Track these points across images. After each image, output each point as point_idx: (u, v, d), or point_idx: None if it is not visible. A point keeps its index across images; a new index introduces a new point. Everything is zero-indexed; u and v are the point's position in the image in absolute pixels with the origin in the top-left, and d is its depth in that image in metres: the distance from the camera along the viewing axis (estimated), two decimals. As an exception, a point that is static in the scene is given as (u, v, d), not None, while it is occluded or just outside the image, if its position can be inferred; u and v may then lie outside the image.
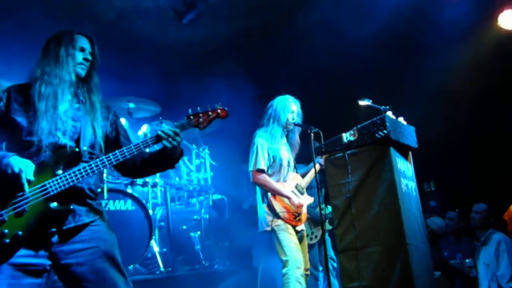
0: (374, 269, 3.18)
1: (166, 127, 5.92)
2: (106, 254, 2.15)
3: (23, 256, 1.98)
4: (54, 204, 2.04)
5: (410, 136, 3.66)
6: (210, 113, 2.32)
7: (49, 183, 2.04)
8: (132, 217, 4.57)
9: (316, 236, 4.83)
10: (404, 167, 3.53)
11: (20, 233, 1.96)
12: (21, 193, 1.99)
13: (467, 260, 5.52)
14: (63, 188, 2.05)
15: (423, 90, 6.13)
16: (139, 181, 4.95)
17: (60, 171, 2.08)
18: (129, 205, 4.59)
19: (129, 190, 4.84)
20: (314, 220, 4.79)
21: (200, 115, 2.30)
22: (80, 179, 2.09)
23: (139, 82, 5.82)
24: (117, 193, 4.60)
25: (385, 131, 3.26)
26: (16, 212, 1.97)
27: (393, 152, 3.32)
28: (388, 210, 3.20)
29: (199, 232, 5.27)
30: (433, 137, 5.60)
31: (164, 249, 5.02)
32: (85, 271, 2.08)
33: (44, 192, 2.03)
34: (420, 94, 6.07)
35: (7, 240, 1.93)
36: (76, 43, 2.32)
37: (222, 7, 5.85)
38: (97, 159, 2.14)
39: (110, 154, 2.15)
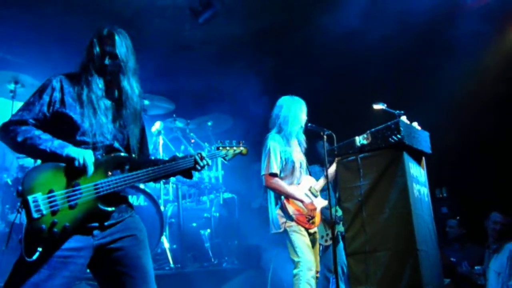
0: (383, 274, 3.18)
1: (180, 125, 5.95)
2: (142, 242, 2.26)
3: (67, 249, 2.03)
4: (101, 203, 2.12)
5: (424, 141, 3.65)
6: (235, 148, 2.68)
7: (101, 183, 2.11)
8: (143, 213, 4.63)
9: (331, 238, 4.82)
10: (417, 173, 3.51)
11: (68, 224, 2.01)
12: (77, 187, 2.06)
13: (476, 267, 5.48)
14: (112, 189, 2.14)
15: (438, 95, 6.08)
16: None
17: (111, 174, 2.16)
18: (141, 200, 4.65)
19: (141, 186, 4.89)
20: (329, 221, 4.78)
21: (228, 148, 2.64)
22: (128, 184, 2.20)
23: (154, 79, 5.87)
24: (130, 188, 4.62)
25: (399, 136, 3.25)
26: (69, 204, 2.04)
27: (406, 157, 3.31)
28: (400, 215, 3.19)
29: (209, 230, 5.32)
30: (447, 143, 5.56)
31: (174, 246, 5.07)
32: (123, 255, 2.17)
33: (96, 191, 2.10)
34: (434, 100, 6.02)
35: (56, 230, 1.98)
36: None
37: (237, 6, 5.86)
38: (143, 170, 2.24)
39: (155, 167, 2.28)
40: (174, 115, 5.71)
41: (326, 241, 4.78)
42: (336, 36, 5.92)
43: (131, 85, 2.31)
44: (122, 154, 2.26)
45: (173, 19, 5.95)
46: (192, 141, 5.81)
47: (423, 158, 3.73)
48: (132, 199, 4.60)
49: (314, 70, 6.66)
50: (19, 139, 2.08)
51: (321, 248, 4.61)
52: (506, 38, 5.79)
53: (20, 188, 1.97)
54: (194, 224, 5.40)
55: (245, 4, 5.89)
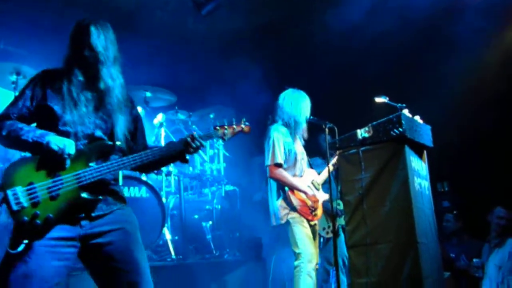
0: (384, 266, 3.20)
1: (182, 117, 5.94)
2: (132, 235, 2.25)
3: (54, 238, 2.05)
4: (84, 193, 2.12)
5: (425, 135, 3.65)
6: (235, 127, 2.51)
7: (83, 172, 2.12)
8: (145, 204, 4.65)
9: (331, 231, 4.83)
10: (418, 166, 3.53)
11: (51, 215, 2.03)
12: (58, 177, 2.07)
13: (474, 260, 5.49)
14: (95, 178, 2.14)
15: (440, 90, 6.07)
16: (153, 169, 5.00)
17: (93, 162, 2.16)
18: (143, 192, 4.66)
19: (143, 178, 4.91)
20: (331, 214, 4.79)
21: (226, 127, 2.48)
22: (113, 172, 2.19)
23: (156, 71, 5.86)
24: (132, 180, 4.67)
25: (400, 129, 3.26)
26: (51, 195, 2.05)
27: (407, 150, 3.32)
28: (400, 208, 3.21)
29: (210, 222, 5.34)
30: (449, 137, 5.56)
31: (176, 237, 5.10)
32: (113, 249, 2.17)
33: (78, 180, 2.11)
34: (436, 94, 6.01)
35: (39, 221, 2.00)
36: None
37: (240, 0, 5.85)
38: (129, 156, 2.24)
39: (142, 153, 2.26)
40: (176, 107, 5.72)
41: (327, 233, 4.79)
42: (338, 31, 5.91)
43: (111, 75, 2.29)
44: (105, 142, 2.23)
45: (176, 12, 5.94)
46: (194, 133, 5.80)
47: (425, 151, 3.74)
48: (134, 191, 4.62)
49: (316, 64, 6.66)
50: (4, 133, 2.13)
51: (321, 240, 4.64)
52: (507, 34, 5.76)
53: (1, 182, 2.00)
54: (196, 216, 5.42)
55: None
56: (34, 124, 2.25)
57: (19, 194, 1.99)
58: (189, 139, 2.34)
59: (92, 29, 2.26)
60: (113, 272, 2.17)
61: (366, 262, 3.25)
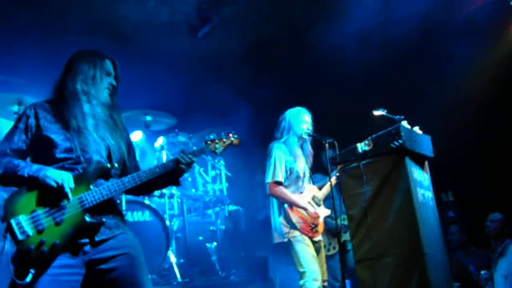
0: (390, 280, 3.17)
1: (182, 139, 5.96)
2: (136, 260, 2.23)
3: (59, 266, 2.04)
4: (88, 216, 2.12)
5: (426, 145, 3.66)
6: (225, 140, 2.62)
7: (85, 195, 2.13)
8: (149, 228, 4.63)
9: (334, 247, 4.81)
10: (420, 177, 3.52)
11: (57, 242, 2.02)
12: (60, 203, 2.07)
13: (482, 272, 5.42)
14: (98, 201, 2.15)
15: (439, 99, 6.09)
16: (156, 192, 5.00)
17: (94, 185, 2.18)
18: (146, 216, 4.65)
19: (146, 201, 4.90)
20: (332, 231, 4.77)
21: (217, 141, 2.60)
22: (114, 193, 2.21)
23: (156, 95, 5.91)
24: (135, 204, 4.66)
25: (400, 141, 3.27)
26: (56, 222, 2.05)
27: (408, 161, 3.33)
28: (405, 220, 3.19)
29: (215, 243, 5.30)
30: (452, 146, 5.57)
31: (181, 260, 5.06)
32: (118, 276, 2.15)
33: (81, 204, 2.11)
34: (437, 103, 6.03)
35: (45, 249, 1.99)
36: (106, 67, 2.42)
37: (235, 20, 5.93)
38: (129, 176, 2.26)
39: (140, 172, 2.30)
40: (176, 130, 5.74)
41: (329, 250, 4.77)
42: (333, 46, 5.97)
43: (110, 100, 2.40)
44: (104, 164, 2.26)
45: (172, 35, 6.02)
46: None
47: (426, 162, 3.74)
48: (138, 215, 4.61)
49: (313, 80, 6.70)
50: (1, 171, 2.14)
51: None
52: (505, 41, 5.81)
53: (2, 213, 2.00)
54: (200, 238, 5.39)
55: (242, 18, 5.95)
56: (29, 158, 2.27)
57: (23, 223, 1.99)
58: (179, 156, 2.40)
59: (107, 60, 2.43)
60: None
61: (373, 276, 3.22)
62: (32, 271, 1.96)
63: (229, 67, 6.68)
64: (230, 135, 2.64)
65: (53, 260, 2.02)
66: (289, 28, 6.24)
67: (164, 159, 5.35)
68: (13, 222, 1.98)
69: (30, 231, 1.99)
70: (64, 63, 2.43)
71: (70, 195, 2.08)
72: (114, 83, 2.44)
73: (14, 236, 1.97)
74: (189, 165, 2.42)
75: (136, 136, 5.89)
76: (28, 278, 1.94)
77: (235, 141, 2.65)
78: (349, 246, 4.70)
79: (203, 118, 6.25)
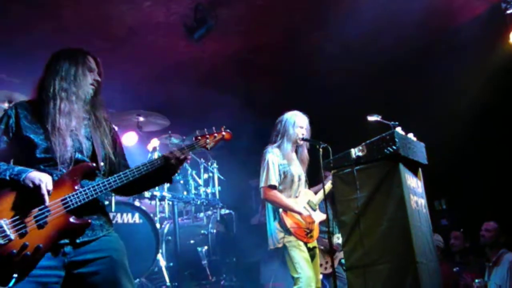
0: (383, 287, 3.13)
1: (175, 141, 5.91)
2: (119, 263, 2.18)
3: (38, 267, 1.99)
4: (73, 218, 2.07)
5: (420, 152, 3.63)
6: (216, 135, 2.55)
7: (69, 197, 2.08)
8: (139, 231, 4.57)
9: (330, 266, 4.73)
10: (414, 184, 3.49)
11: (41, 245, 1.97)
12: (43, 205, 2.02)
13: (476, 281, 5.40)
14: (82, 202, 2.09)
15: (434, 107, 6.10)
16: (147, 194, 4.95)
17: (78, 186, 2.13)
18: (136, 218, 4.59)
19: (137, 203, 4.84)
20: (326, 250, 4.71)
21: (207, 136, 2.52)
22: (99, 193, 2.15)
23: (149, 96, 5.86)
24: (125, 206, 4.60)
25: (394, 147, 3.23)
26: (38, 224, 1.99)
27: (402, 168, 3.29)
28: (398, 227, 3.16)
29: (206, 247, 5.24)
30: (445, 154, 5.55)
31: (171, 264, 5.00)
32: (99, 280, 2.10)
33: (65, 206, 2.06)
34: (431, 111, 6.04)
35: (29, 253, 1.94)
36: (87, 64, 2.39)
37: (232, 23, 5.89)
38: (115, 175, 2.21)
39: (127, 170, 2.24)
40: (170, 132, 5.69)
41: (325, 268, 4.70)
42: (330, 51, 5.96)
43: (93, 97, 2.38)
44: (88, 164, 2.21)
45: (168, 36, 5.97)
46: (189, 157, 5.77)
47: (419, 169, 3.71)
48: (127, 217, 4.55)
49: (309, 84, 6.69)
50: None
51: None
52: (501, 50, 5.82)
53: None
54: (191, 241, 5.33)
55: (240, 21, 5.92)
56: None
57: (4, 227, 1.93)
58: (167, 154, 2.35)
59: (89, 56, 2.41)
60: None
61: (364, 284, 3.18)
62: (15, 275, 1.90)
63: (224, 70, 6.65)
64: (222, 129, 2.59)
65: (36, 263, 1.97)
66: (285, 33, 6.21)
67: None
68: None
69: (12, 235, 1.93)
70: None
71: (46, 198, 2.02)
72: (98, 78, 2.40)
73: None
74: (180, 161, 2.35)
75: (130, 139, 5.84)
76: (11, 283, 1.89)
77: (226, 135, 2.59)
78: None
79: (197, 120, 6.20)
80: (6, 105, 4.78)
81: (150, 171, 2.29)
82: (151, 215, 4.82)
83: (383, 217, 3.21)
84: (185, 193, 5.53)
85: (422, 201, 3.57)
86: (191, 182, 5.65)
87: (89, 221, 2.12)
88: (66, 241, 2.08)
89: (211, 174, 5.91)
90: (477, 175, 6.27)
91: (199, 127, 6.08)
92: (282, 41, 6.29)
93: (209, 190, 5.77)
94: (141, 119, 5.46)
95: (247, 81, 6.88)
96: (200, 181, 5.74)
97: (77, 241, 2.11)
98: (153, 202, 5.23)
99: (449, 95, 6.08)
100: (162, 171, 2.35)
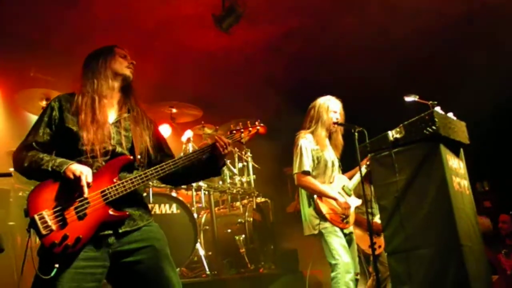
0: (426, 272, 3.04)
1: (209, 131, 5.94)
2: (161, 252, 2.21)
3: (83, 259, 2.03)
4: (111, 210, 2.10)
5: (461, 132, 3.48)
6: (250, 129, 2.58)
7: (108, 189, 2.11)
8: (177, 221, 4.63)
9: (380, 246, 4.64)
10: (456, 165, 3.35)
11: (80, 237, 2.01)
12: (83, 197, 2.05)
13: None
14: (121, 194, 2.12)
15: (475, 85, 5.85)
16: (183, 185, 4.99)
17: (116, 178, 2.16)
18: (174, 208, 4.65)
19: (174, 194, 4.90)
20: (376, 231, 4.62)
21: (242, 131, 2.55)
22: (137, 186, 2.18)
23: (181, 88, 5.89)
24: (162, 197, 4.67)
25: (434, 127, 3.11)
26: (78, 216, 2.03)
27: (443, 149, 3.16)
28: (440, 210, 3.04)
29: (243, 236, 5.26)
30: (488, 134, 5.35)
31: (210, 253, 5.04)
32: (144, 269, 2.14)
33: (104, 198, 2.10)
34: (471, 90, 5.80)
35: (69, 244, 1.98)
36: (117, 52, 2.42)
37: (260, 10, 5.84)
38: (152, 168, 2.23)
39: (163, 163, 2.26)
40: (203, 122, 5.72)
41: (376, 249, 4.60)
42: (363, 35, 5.82)
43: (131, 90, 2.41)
44: (126, 156, 2.23)
45: (197, 27, 5.98)
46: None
47: (461, 149, 3.57)
48: (165, 208, 4.61)
49: (342, 69, 6.55)
50: (26, 164, 2.14)
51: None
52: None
53: (26, 208, 1.99)
54: (229, 230, 5.37)
55: (268, 8, 5.86)
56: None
57: (46, 218, 1.98)
58: (216, 140, 2.38)
59: (119, 48, 2.45)
60: None
61: (407, 268, 3.09)
62: (57, 265, 1.95)
63: (254, 59, 6.60)
64: (256, 123, 2.61)
65: (77, 254, 2.01)
66: (315, 19, 6.10)
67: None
68: (36, 217, 1.97)
69: (53, 226, 1.98)
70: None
71: (86, 189, 2.05)
72: (133, 61, 2.43)
73: (37, 231, 1.96)
74: (227, 148, 2.38)
75: (164, 131, 5.90)
76: (53, 273, 1.93)
77: (261, 129, 2.61)
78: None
79: (229, 109, 6.20)
80: (44, 102, 4.92)
81: (187, 163, 2.31)
82: (188, 205, 4.86)
83: (425, 200, 3.10)
84: (220, 182, 5.56)
85: (465, 183, 3.44)
86: (226, 171, 5.67)
87: (127, 213, 2.15)
88: (109, 232, 2.12)
89: (245, 163, 5.92)
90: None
91: (231, 117, 6.11)
92: (312, 26, 6.18)
93: (244, 179, 5.78)
94: (174, 110, 5.51)
95: (278, 68, 6.81)
96: (236, 170, 5.75)
97: (119, 231, 2.14)
98: (189, 193, 5.28)
99: (490, 71, 5.82)
100: (208, 164, 2.39)
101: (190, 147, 5.25)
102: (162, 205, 4.58)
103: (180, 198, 4.86)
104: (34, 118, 5.45)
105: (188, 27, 5.99)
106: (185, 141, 5.38)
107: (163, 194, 4.73)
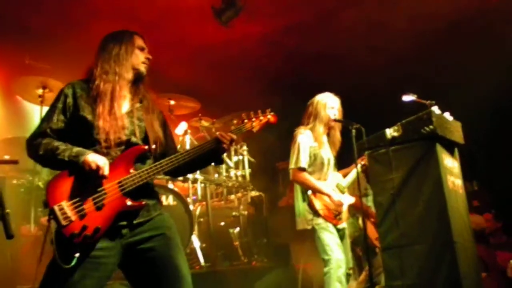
0: (419, 268, 3.13)
1: (206, 124, 5.94)
2: (173, 240, 2.23)
3: (97, 249, 2.04)
4: (129, 200, 2.11)
5: (456, 132, 3.57)
6: (261, 118, 2.56)
7: (125, 179, 2.12)
8: (173, 212, 4.63)
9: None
10: (451, 164, 3.44)
11: (99, 227, 2.02)
12: (100, 188, 2.07)
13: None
14: (137, 184, 2.13)
15: (468, 87, 5.93)
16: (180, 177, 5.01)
17: (133, 169, 2.16)
18: (170, 200, 4.67)
19: (170, 186, 4.92)
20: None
21: (253, 120, 2.53)
22: (152, 176, 2.18)
23: (179, 79, 5.89)
24: (159, 188, 4.66)
25: (431, 126, 3.19)
26: (97, 206, 2.05)
27: (439, 148, 3.25)
28: (435, 208, 3.13)
29: (238, 228, 5.31)
30: (478, 134, 5.42)
31: (204, 245, 5.08)
32: (155, 255, 2.15)
33: (121, 188, 2.10)
34: (465, 92, 5.87)
35: (88, 234, 2.00)
36: (136, 43, 2.38)
37: (260, 4, 5.85)
38: (167, 158, 2.24)
39: (177, 153, 2.28)
40: (200, 115, 5.74)
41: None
42: (362, 31, 5.85)
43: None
44: (141, 146, 2.23)
45: (197, 19, 5.97)
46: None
47: (456, 149, 3.64)
48: (161, 199, 4.63)
49: (340, 66, 6.59)
50: (41, 152, 2.12)
51: None
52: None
53: (44, 199, 2.01)
54: (223, 223, 5.41)
55: (268, 2, 5.87)
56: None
57: (65, 209, 1.99)
58: (219, 136, 2.36)
59: (137, 36, 2.41)
60: (155, 278, 2.15)
61: (400, 264, 3.18)
62: (77, 255, 1.97)
63: (253, 53, 6.61)
64: (267, 111, 2.59)
65: (95, 244, 2.04)
66: (315, 14, 6.12)
67: (188, 144, 5.36)
68: (56, 208, 1.98)
69: (72, 216, 1.99)
70: (91, 47, 2.39)
71: (103, 180, 2.07)
72: (150, 56, 2.40)
73: (57, 221, 1.98)
74: (231, 143, 2.38)
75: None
76: (73, 262, 1.96)
77: (272, 118, 2.60)
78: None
79: (227, 102, 6.23)
80: (41, 91, 4.89)
81: (200, 153, 2.32)
82: (184, 197, 4.89)
83: (420, 198, 3.19)
84: (216, 175, 5.59)
85: (459, 182, 3.52)
86: (222, 164, 5.70)
87: (144, 202, 2.16)
88: (124, 223, 2.13)
89: (241, 157, 5.95)
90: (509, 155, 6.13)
91: (229, 110, 6.12)
92: (313, 22, 6.20)
93: (239, 173, 5.82)
94: (172, 102, 5.52)
95: (276, 62, 6.83)
96: (231, 164, 5.78)
97: (134, 222, 2.15)
98: (185, 185, 5.31)
99: (483, 74, 5.89)
100: (211, 153, 2.38)
101: (188, 140, 5.27)
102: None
103: (177, 189, 4.88)
104: (30, 106, 5.45)
105: (188, 19, 5.98)
106: (182, 134, 5.40)
107: (159, 185, 4.74)
